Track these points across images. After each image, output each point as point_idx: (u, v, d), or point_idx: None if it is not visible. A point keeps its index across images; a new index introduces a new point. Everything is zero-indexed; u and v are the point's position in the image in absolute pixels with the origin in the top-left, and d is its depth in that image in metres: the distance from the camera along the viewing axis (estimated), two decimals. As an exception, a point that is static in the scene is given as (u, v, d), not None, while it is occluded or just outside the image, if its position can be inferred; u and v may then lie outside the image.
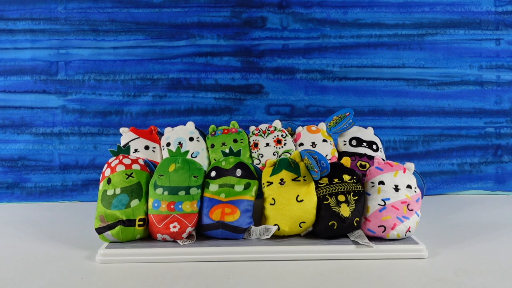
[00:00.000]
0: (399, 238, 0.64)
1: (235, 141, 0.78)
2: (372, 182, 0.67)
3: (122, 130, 0.81)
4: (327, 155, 0.77)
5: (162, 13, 1.05)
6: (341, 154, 0.78)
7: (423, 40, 1.06)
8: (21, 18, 1.04)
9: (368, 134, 0.81)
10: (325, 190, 0.65)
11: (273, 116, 1.06)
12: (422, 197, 0.67)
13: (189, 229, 0.63)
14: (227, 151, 0.72)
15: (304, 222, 0.64)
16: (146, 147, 0.79)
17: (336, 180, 0.66)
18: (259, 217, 0.68)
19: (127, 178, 0.65)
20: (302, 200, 0.64)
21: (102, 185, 0.65)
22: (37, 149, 1.04)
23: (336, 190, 0.65)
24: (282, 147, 0.78)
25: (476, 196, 1.05)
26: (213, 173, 0.68)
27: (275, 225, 0.63)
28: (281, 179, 0.66)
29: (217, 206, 0.64)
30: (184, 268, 0.58)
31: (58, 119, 1.05)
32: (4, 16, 1.04)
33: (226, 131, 0.80)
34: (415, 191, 0.66)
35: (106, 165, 0.68)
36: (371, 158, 0.77)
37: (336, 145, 0.81)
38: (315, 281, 0.54)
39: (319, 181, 0.67)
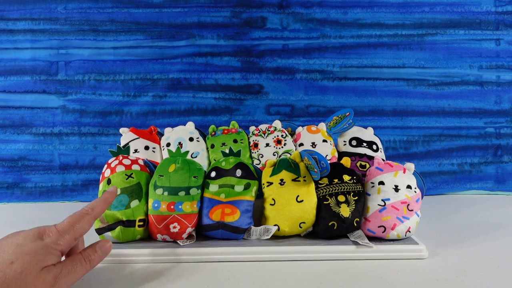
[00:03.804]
0: (399, 239, 0.64)
1: (235, 141, 0.78)
2: (372, 183, 0.67)
3: (122, 130, 0.81)
4: (327, 155, 0.77)
5: (162, 13, 1.05)
6: (341, 154, 0.78)
7: (423, 40, 1.06)
8: (21, 18, 1.04)
9: (368, 134, 0.81)
10: (325, 190, 0.65)
11: (273, 116, 1.06)
12: (422, 197, 0.67)
13: (189, 230, 0.63)
14: (227, 151, 0.72)
15: (304, 223, 0.64)
16: (146, 148, 0.79)
17: (336, 180, 0.66)
18: (259, 217, 0.68)
19: (127, 179, 0.65)
20: (302, 201, 0.64)
21: (102, 186, 0.65)
22: (37, 149, 1.04)
23: (336, 191, 0.65)
24: (282, 147, 0.78)
25: (476, 196, 1.05)
26: (213, 174, 0.68)
27: (275, 225, 0.63)
28: (281, 180, 0.66)
29: (217, 206, 0.64)
30: (184, 268, 0.58)
31: (58, 119, 1.05)
32: (4, 16, 1.04)
33: (226, 131, 0.80)
34: (415, 191, 0.66)
35: (106, 166, 0.68)
36: (371, 158, 0.77)
37: (336, 145, 0.81)
38: (315, 281, 0.54)
39: (319, 182, 0.67)
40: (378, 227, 0.63)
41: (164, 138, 0.80)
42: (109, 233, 0.62)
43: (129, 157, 0.68)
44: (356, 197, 0.65)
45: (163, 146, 0.79)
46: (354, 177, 0.68)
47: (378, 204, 0.64)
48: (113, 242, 0.63)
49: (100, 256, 0.52)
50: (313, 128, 0.81)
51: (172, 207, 0.62)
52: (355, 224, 0.64)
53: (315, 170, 0.64)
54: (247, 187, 0.66)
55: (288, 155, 0.76)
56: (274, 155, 0.77)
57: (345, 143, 0.80)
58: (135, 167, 0.67)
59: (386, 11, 1.06)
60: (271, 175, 0.67)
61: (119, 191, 0.64)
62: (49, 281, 0.45)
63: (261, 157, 0.77)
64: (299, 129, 0.82)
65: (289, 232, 0.64)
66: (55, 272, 0.46)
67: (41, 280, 0.44)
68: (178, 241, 0.63)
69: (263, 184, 0.67)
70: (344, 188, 0.65)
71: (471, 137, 1.07)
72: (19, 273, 0.43)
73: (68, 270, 0.47)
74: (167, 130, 0.81)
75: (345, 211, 0.63)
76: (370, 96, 1.06)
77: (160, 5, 1.05)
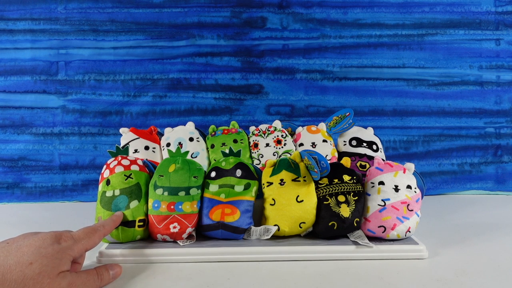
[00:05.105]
0: (399, 239, 0.64)
1: (235, 141, 0.78)
2: (372, 183, 0.67)
3: (122, 130, 0.81)
4: (327, 155, 0.77)
5: (162, 13, 1.05)
6: (341, 154, 0.78)
7: (423, 40, 1.06)
8: (21, 18, 1.04)
9: (368, 134, 0.81)
10: (325, 190, 0.65)
11: (273, 116, 1.06)
12: (422, 197, 0.67)
13: (189, 230, 0.63)
14: (227, 151, 0.72)
15: (304, 223, 0.64)
16: (146, 148, 0.79)
17: (336, 180, 0.66)
18: (259, 217, 0.68)
19: (126, 179, 0.65)
20: (302, 201, 0.64)
21: (101, 187, 0.65)
22: (37, 149, 1.04)
23: (336, 191, 0.65)
24: (282, 147, 0.78)
25: (476, 196, 1.05)
26: (213, 174, 0.68)
27: (275, 225, 0.63)
28: (281, 180, 0.66)
29: (217, 206, 0.64)
30: (184, 268, 0.58)
31: (58, 119, 1.05)
32: (4, 16, 1.04)
33: (226, 131, 0.80)
34: (415, 192, 0.66)
35: (105, 166, 0.68)
36: (371, 158, 0.77)
37: (336, 145, 0.81)
38: (315, 281, 0.54)
39: (319, 182, 0.67)
40: (378, 227, 0.63)
41: (164, 138, 0.80)
42: (108, 234, 0.62)
43: (128, 157, 0.68)
44: (356, 197, 0.65)
45: (163, 146, 0.79)
46: (354, 177, 0.68)
47: (378, 204, 0.64)
48: (113, 242, 0.64)
49: (110, 279, 0.53)
50: (313, 128, 0.81)
51: (172, 207, 0.62)
52: (355, 224, 0.64)
53: (315, 170, 0.64)
54: (247, 187, 0.66)
55: (288, 155, 0.76)
56: (274, 155, 0.77)
57: (345, 143, 0.80)
58: (134, 167, 0.67)
59: (386, 11, 1.06)
60: (271, 175, 0.67)
61: (118, 192, 0.64)
62: (63, 286, 0.46)
63: (261, 157, 0.77)
64: (299, 129, 0.82)
65: (289, 232, 0.64)
66: (70, 279, 0.47)
67: (56, 284, 0.45)
68: (178, 241, 0.63)
69: (263, 184, 0.67)
70: (344, 188, 0.65)
71: (471, 137, 1.07)
72: (37, 274, 0.44)
73: (82, 281, 0.48)
74: (167, 130, 0.81)
75: (345, 211, 0.63)
76: (370, 96, 1.06)
77: (160, 5, 1.05)
